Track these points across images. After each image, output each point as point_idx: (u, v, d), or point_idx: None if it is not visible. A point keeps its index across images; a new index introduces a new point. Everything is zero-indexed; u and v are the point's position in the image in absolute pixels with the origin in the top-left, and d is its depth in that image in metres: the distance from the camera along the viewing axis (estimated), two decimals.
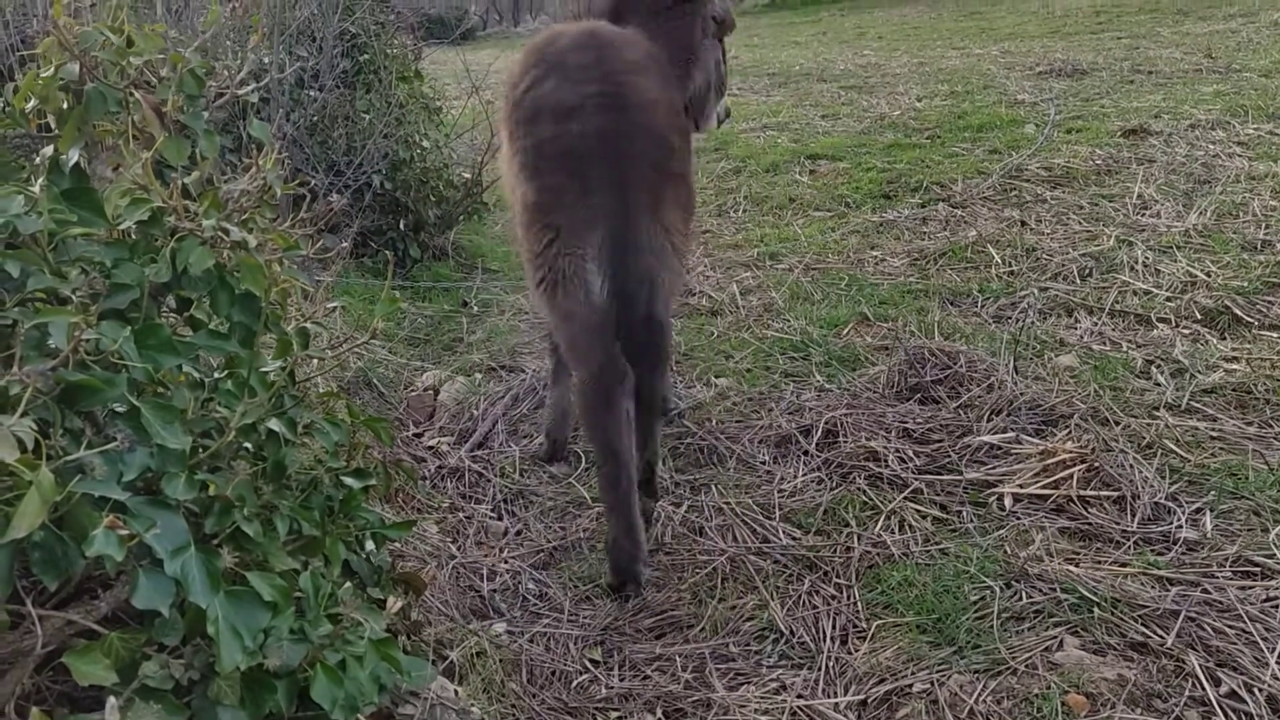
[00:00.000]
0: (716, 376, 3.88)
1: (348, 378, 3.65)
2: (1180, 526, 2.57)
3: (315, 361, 1.83)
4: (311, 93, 4.73)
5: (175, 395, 1.45)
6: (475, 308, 4.90)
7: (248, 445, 1.56)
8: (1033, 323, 3.99)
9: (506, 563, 2.82)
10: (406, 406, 3.77)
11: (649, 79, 2.68)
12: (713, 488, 3.08)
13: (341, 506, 1.67)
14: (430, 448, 3.52)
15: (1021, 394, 3.25)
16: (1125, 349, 3.70)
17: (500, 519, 3.09)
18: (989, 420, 3.17)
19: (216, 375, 1.60)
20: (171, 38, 1.70)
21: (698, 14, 3.22)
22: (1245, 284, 4.08)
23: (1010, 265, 4.65)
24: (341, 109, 4.94)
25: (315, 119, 4.79)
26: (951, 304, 4.36)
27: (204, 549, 1.35)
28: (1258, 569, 2.38)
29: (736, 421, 3.49)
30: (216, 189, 1.55)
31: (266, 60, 4.33)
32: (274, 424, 1.52)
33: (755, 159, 7.81)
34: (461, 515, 3.08)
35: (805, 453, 3.21)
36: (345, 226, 4.44)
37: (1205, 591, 2.31)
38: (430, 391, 3.84)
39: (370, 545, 1.74)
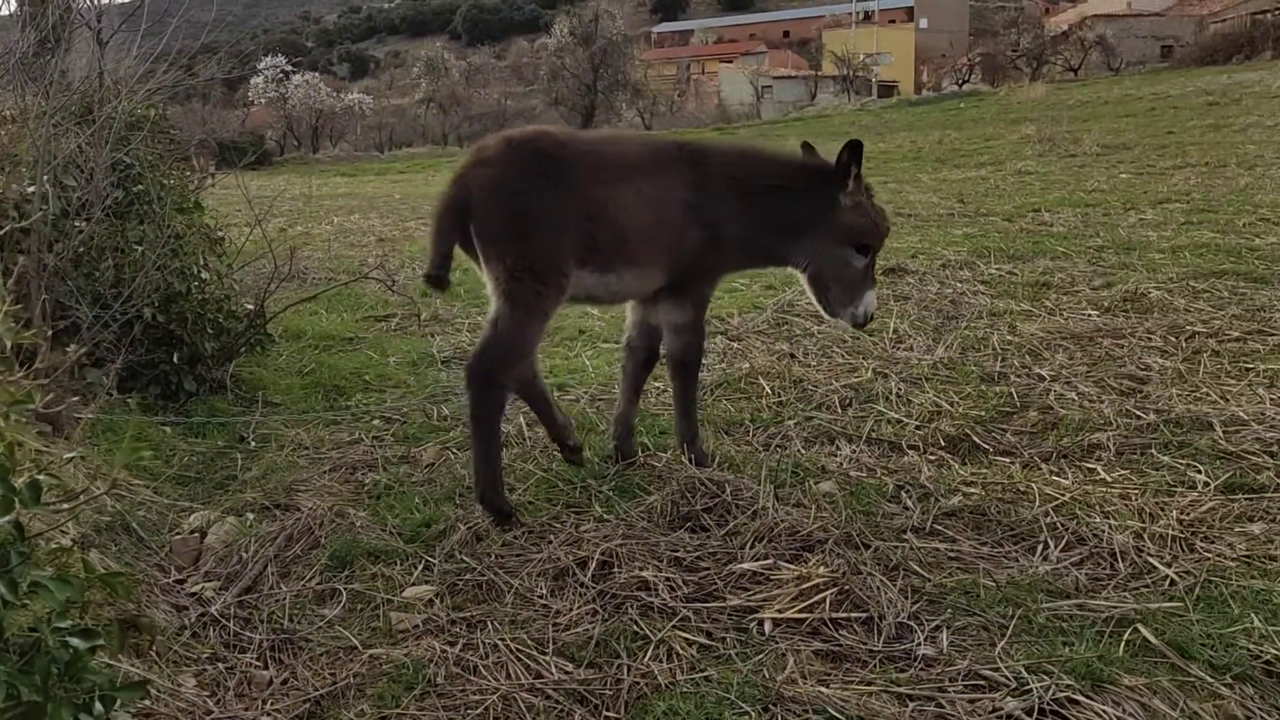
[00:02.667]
0: None
1: (104, 522, 3.46)
2: (919, 644, 2.76)
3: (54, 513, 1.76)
4: (78, 224, 4.57)
5: None
6: (253, 443, 4.76)
7: None
8: (799, 450, 4.24)
9: (269, 715, 2.71)
10: (169, 551, 3.60)
11: (488, 169, 3.61)
12: (489, 624, 3.08)
13: (67, 669, 1.60)
14: (193, 594, 3.37)
15: (782, 521, 3.44)
16: (879, 475, 3.98)
17: (266, 668, 2.97)
18: (752, 547, 3.33)
19: None
20: None
21: (823, 214, 3.90)
22: (983, 413, 4.49)
23: (779, 396, 4.94)
24: (111, 240, 4.79)
25: (81, 250, 4.62)
26: (725, 433, 4.58)
27: None
28: (985, 682, 2.58)
29: (516, 555, 3.51)
30: None
31: (30, 190, 4.18)
32: None
33: None
34: (223, 666, 2.95)
35: (581, 584, 3.26)
36: (109, 362, 4.26)
37: (939, 706, 2.49)
38: (196, 534, 3.69)
39: (99, 708, 1.66)
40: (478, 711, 2.66)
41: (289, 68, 41.13)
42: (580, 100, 43.78)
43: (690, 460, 4.07)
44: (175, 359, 5.11)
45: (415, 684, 2.78)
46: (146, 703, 2.55)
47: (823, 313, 4.14)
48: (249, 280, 6.53)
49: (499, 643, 2.96)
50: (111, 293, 4.68)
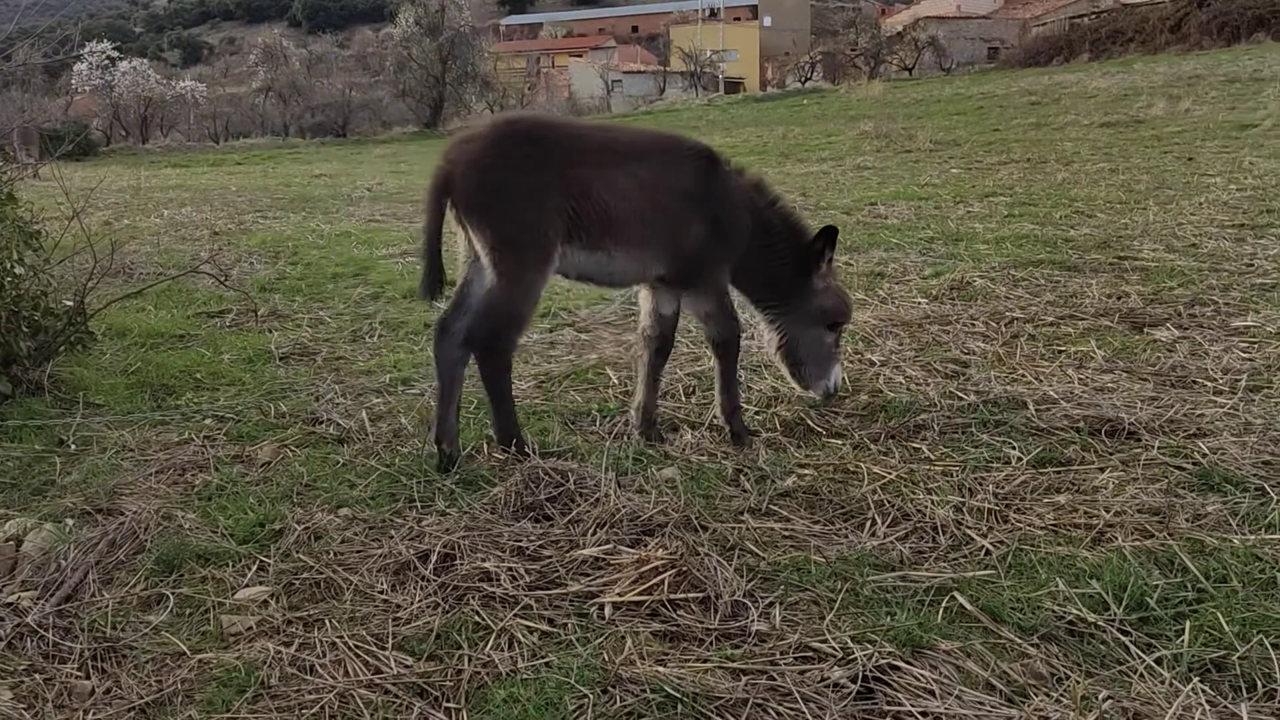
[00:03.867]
0: (339, 507, 3.82)
1: None
2: (754, 621, 2.85)
3: None
4: None
5: None
6: (73, 446, 4.51)
7: None
8: (639, 439, 4.30)
9: None
10: None
11: (471, 146, 3.90)
12: (327, 622, 3.01)
13: None
14: (9, 605, 3.17)
15: (624, 507, 3.48)
16: (720, 459, 4.08)
17: (87, 678, 2.83)
18: (594, 533, 3.37)
19: None
20: None
21: (795, 282, 4.31)
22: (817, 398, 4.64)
23: (626, 386, 4.99)
24: None
25: None
26: (572, 423, 4.60)
27: None
28: (814, 653, 2.69)
29: (356, 552, 3.45)
30: None
31: None
32: None
33: (394, 285, 7.88)
34: (41, 678, 2.80)
35: (423, 578, 3.23)
36: None
37: (771, 679, 2.57)
38: (11, 542, 3.48)
39: None
40: (313, 711, 2.61)
41: (115, 53, 39.01)
42: (429, 92, 43.00)
43: (731, 431, 4.30)
44: None
45: (247, 687, 2.71)
46: None
47: (794, 385, 4.54)
48: (69, 276, 6.17)
49: (337, 640, 2.91)
50: None
